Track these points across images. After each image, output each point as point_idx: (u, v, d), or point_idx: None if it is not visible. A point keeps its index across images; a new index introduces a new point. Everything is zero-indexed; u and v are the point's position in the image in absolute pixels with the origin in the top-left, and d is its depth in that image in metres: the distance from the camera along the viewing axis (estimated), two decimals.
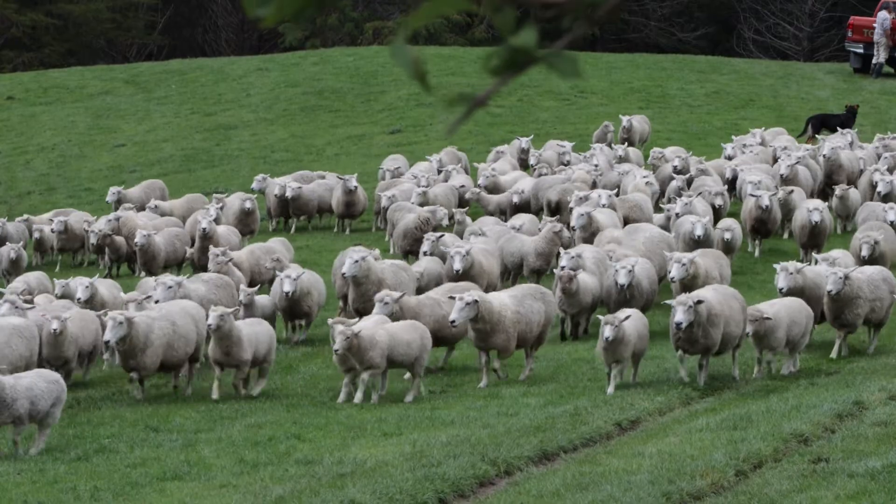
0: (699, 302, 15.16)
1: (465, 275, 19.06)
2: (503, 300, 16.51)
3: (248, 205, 26.04)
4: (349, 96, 42.78)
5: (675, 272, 18.04)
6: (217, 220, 24.68)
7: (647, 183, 25.66)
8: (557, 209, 24.79)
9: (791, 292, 16.94)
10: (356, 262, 18.35)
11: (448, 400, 15.53)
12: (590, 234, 21.94)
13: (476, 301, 15.87)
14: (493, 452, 12.51)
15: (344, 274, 18.46)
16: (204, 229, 22.95)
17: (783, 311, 15.91)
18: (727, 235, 21.75)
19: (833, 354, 17.26)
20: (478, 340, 16.23)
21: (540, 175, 27.37)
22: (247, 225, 26.13)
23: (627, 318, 15.39)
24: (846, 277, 16.96)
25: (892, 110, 38.72)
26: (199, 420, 15.12)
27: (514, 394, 15.61)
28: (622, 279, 18.15)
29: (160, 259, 23.70)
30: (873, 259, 19.56)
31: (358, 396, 15.42)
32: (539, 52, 2.84)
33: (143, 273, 23.23)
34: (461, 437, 13.21)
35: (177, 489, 12.14)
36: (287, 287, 18.81)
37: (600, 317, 15.52)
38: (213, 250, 20.56)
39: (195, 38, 64.91)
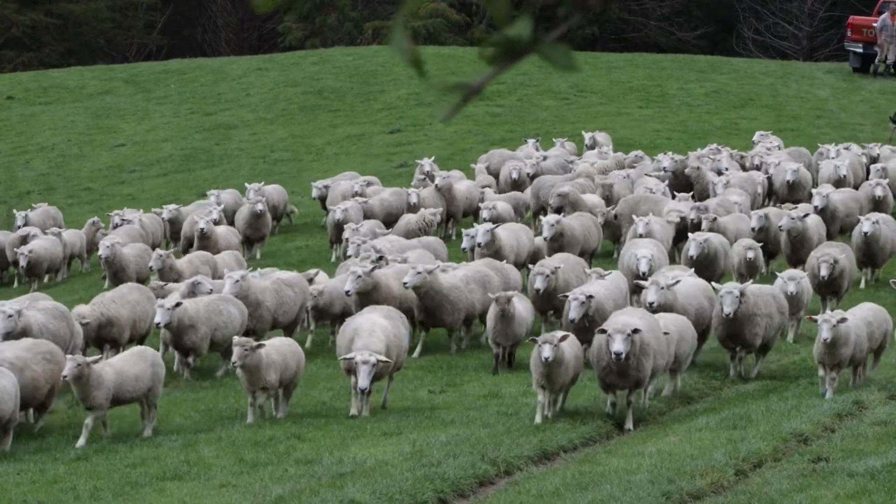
0: (636, 331, 13.60)
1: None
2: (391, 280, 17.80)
3: (258, 207, 24.92)
4: (349, 96, 42.78)
5: (652, 296, 16.13)
6: (217, 222, 24.56)
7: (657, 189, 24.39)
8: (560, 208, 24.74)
9: (661, 308, 15.51)
10: (236, 281, 17.68)
11: (448, 400, 15.52)
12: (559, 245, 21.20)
13: (360, 276, 17.40)
14: (492, 452, 12.51)
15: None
16: (202, 229, 22.87)
17: (671, 327, 14.66)
18: (750, 255, 19.79)
19: (732, 374, 16.10)
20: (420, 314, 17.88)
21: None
22: (257, 229, 25.18)
23: (565, 338, 14.07)
24: (742, 295, 15.76)
25: (891, 110, 38.70)
26: (199, 420, 15.12)
27: (514, 393, 15.60)
28: (573, 314, 16.12)
29: (130, 271, 22.13)
30: (832, 279, 18.47)
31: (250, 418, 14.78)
32: (533, 43, 2.85)
33: (107, 284, 21.87)
34: (461, 437, 13.21)
35: (176, 489, 12.14)
36: (158, 318, 16.80)
37: (536, 338, 14.20)
38: (157, 251, 20.08)
39: (195, 37, 64.89)
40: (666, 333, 14.33)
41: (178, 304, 16.87)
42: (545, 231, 21.39)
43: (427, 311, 17.84)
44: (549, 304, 18.11)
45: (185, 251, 25.01)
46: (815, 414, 13.55)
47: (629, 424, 13.84)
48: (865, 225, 20.82)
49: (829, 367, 14.59)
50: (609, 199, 24.78)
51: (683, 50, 56.28)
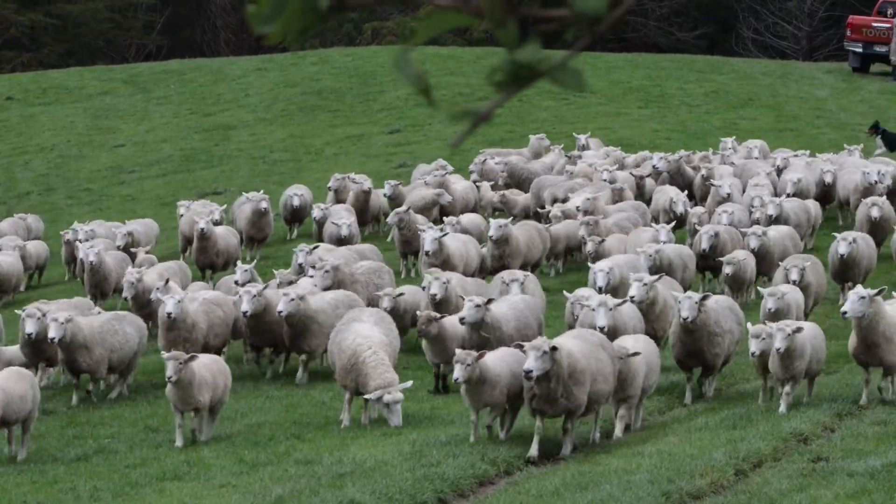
0: (554, 348, 12.40)
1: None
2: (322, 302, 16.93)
3: (262, 205, 24.86)
4: (348, 96, 42.78)
5: (635, 291, 15.66)
6: (218, 222, 24.53)
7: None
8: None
9: (610, 332, 14.39)
10: (178, 301, 16.57)
11: (448, 400, 15.52)
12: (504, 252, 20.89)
13: (257, 295, 16.83)
14: (492, 452, 12.51)
15: (170, 314, 16.42)
16: (202, 230, 22.87)
17: (640, 351, 13.54)
18: (728, 269, 19.07)
19: (687, 400, 15.01)
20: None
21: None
22: (260, 229, 25.13)
23: (482, 355, 12.98)
24: (702, 302, 14.75)
25: (891, 110, 38.72)
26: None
27: None
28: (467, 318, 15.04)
29: (111, 281, 21.80)
30: (803, 287, 17.37)
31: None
32: (543, 67, 2.85)
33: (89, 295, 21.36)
34: (461, 437, 13.21)
35: (176, 489, 12.15)
36: (52, 333, 15.72)
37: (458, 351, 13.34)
38: (129, 270, 19.38)
39: (194, 38, 64.90)
40: (635, 354, 13.27)
41: (69, 320, 15.77)
42: (493, 230, 20.89)
43: (291, 336, 16.67)
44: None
45: (184, 251, 25.04)
46: (814, 414, 13.56)
47: (566, 450, 12.75)
48: (842, 246, 19.53)
49: (784, 380, 13.79)
50: (642, 193, 25.20)
51: (683, 50, 56.29)
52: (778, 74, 44.63)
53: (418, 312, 15.81)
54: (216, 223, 24.04)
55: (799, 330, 13.78)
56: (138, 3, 64.38)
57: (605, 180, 25.14)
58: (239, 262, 21.98)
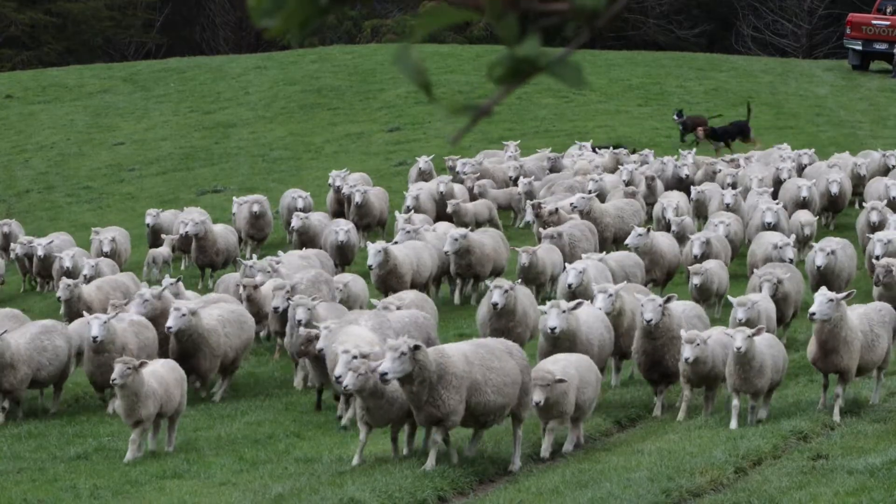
0: (416, 348, 11.56)
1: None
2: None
3: (255, 208, 25.05)
4: (348, 94, 42.76)
5: (600, 303, 14.97)
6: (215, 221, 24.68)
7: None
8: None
9: (562, 335, 13.86)
10: (104, 325, 15.34)
11: None
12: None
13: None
14: (492, 450, 12.50)
15: (95, 337, 15.20)
16: (190, 233, 23.13)
17: (571, 369, 12.67)
18: (696, 280, 18.37)
19: (656, 412, 14.43)
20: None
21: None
22: (259, 229, 25.27)
23: (375, 370, 11.84)
24: (666, 302, 14.19)
25: (891, 107, 38.71)
26: (199, 418, 15.12)
27: None
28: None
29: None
30: (776, 301, 16.71)
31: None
32: (543, 61, 2.85)
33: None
34: (460, 435, 13.20)
35: (176, 487, 12.14)
36: None
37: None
38: (64, 280, 18.82)
39: (193, 36, 64.87)
40: (561, 381, 12.31)
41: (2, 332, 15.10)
42: (448, 245, 20.34)
43: (181, 355, 15.40)
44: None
45: (186, 251, 25.05)
46: (814, 412, 13.55)
47: (429, 464, 11.85)
48: (819, 258, 18.79)
49: (739, 391, 13.23)
50: (653, 193, 25.10)
51: (682, 48, 56.27)
52: (778, 72, 44.61)
53: (300, 330, 14.84)
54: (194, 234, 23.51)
55: (759, 332, 13.35)
56: (138, 2, 64.35)
57: (590, 191, 24.50)
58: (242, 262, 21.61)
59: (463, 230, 21.07)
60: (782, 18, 59.18)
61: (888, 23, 41.69)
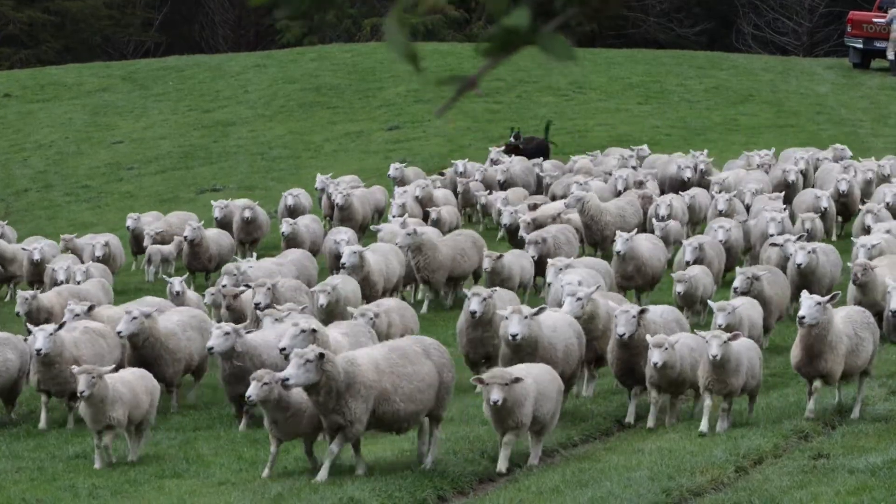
0: (321, 356, 11.32)
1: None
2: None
3: (246, 214, 25.04)
4: (347, 93, 42.73)
5: (568, 307, 14.50)
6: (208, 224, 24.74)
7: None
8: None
9: (523, 342, 13.35)
10: (49, 336, 14.59)
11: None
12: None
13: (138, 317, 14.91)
14: (492, 449, 12.46)
15: (39, 350, 14.54)
16: (188, 237, 23.27)
17: (529, 380, 12.07)
18: (679, 288, 17.83)
19: (629, 418, 13.94)
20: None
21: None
22: (249, 233, 25.31)
23: (286, 380, 11.36)
24: (640, 314, 13.71)
25: (891, 105, 38.67)
26: (198, 418, 15.09)
27: None
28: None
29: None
30: (761, 300, 16.32)
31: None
32: (531, 33, 2.80)
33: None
34: (460, 434, 13.17)
35: (175, 487, 12.11)
36: None
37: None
38: (20, 294, 18.21)
39: (192, 34, 64.81)
40: (518, 380, 11.83)
41: None
42: (399, 238, 20.00)
43: (142, 362, 14.74)
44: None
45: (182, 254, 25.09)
46: (814, 410, 13.51)
47: (321, 475, 11.76)
48: (800, 255, 18.08)
49: (712, 392, 12.96)
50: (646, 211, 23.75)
51: (683, 46, 56.22)
52: (778, 70, 44.57)
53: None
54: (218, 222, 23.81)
55: (735, 338, 13.01)
56: (137, 0, 64.31)
57: (568, 204, 23.53)
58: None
59: (415, 227, 20.61)
60: (783, 16, 59.15)
61: (886, 20, 41.59)
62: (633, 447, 12.64)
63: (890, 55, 41.59)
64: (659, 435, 13.18)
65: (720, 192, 24.35)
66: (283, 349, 11.41)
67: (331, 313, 16.64)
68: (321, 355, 11.17)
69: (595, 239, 22.44)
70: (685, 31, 60.80)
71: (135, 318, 14.89)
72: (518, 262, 20.01)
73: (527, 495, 11.20)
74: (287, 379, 11.09)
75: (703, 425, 12.85)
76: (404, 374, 11.65)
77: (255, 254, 24.59)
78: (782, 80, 42.85)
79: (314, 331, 12.09)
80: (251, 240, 25.50)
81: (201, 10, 65.37)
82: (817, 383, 13.33)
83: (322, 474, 11.65)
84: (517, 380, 11.77)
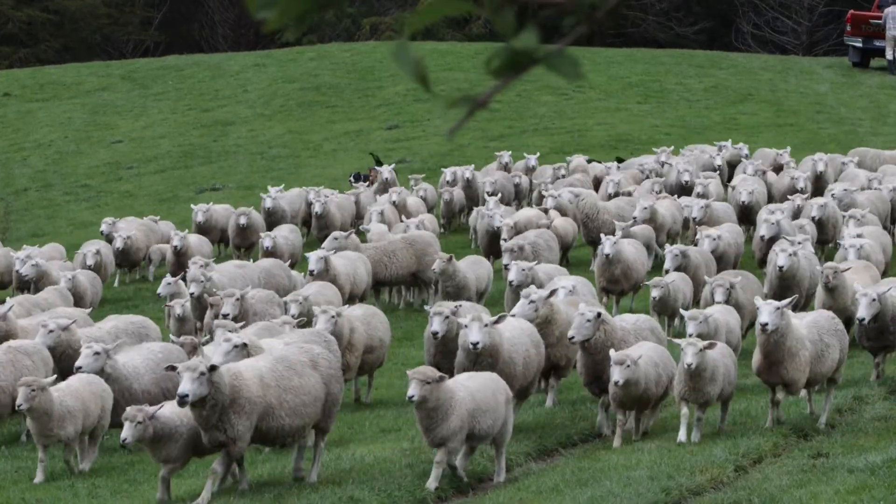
0: (212, 368, 10.96)
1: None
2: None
3: (241, 220, 24.92)
4: (346, 92, 42.73)
5: (519, 308, 14.06)
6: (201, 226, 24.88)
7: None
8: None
9: (484, 351, 12.93)
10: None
11: None
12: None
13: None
14: (491, 449, 12.46)
15: None
16: (175, 247, 23.26)
17: (463, 392, 11.44)
18: (655, 293, 17.30)
19: (605, 430, 13.49)
20: None
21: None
22: (245, 238, 25.20)
23: (153, 416, 11.32)
24: (597, 318, 13.05)
25: (891, 104, 38.68)
26: None
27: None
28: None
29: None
30: (735, 307, 15.80)
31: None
32: (540, 54, 2.81)
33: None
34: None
35: (175, 486, 12.09)
36: None
37: None
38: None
39: (192, 33, 64.82)
40: (442, 378, 11.35)
41: None
42: (311, 264, 19.18)
43: (64, 377, 13.52)
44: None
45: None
46: (815, 410, 13.51)
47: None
48: (781, 258, 17.42)
49: (688, 401, 12.62)
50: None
51: (682, 45, 56.25)
52: (778, 69, 44.58)
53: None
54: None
55: (712, 346, 12.65)
56: None
57: (547, 209, 23.71)
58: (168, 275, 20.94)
59: (323, 253, 19.54)
60: (782, 15, 59.16)
61: (881, 19, 41.54)
62: (632, 446, 12.64)
63: (889, 55, 41.58)
64: (659, 434, 13.18)
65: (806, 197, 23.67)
66: (185, 396, 10.74)
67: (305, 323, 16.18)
68: (212, 367, 10.84)
69: (593, 237, 22.47)
70: (684, 31, 60.81)
71: (51, 330, 14.38)
72: (473, 269, 19.46)
73: (526, 494, 11.20)
74: (186, 395, 10.69)
75: (682, 435, 12.52)
76: (290, 387, 11.27)
77: (212, 260, 23.72)
78: (782, 80, 42.86)
79: (245, 345, 11.84)
80: (247, 245, 25.47)
81: (201, 10, 65.38)
82: (780, 394, 12.99)
83: (204, 496, 11.12)
84: (441, 378, 11.24)
